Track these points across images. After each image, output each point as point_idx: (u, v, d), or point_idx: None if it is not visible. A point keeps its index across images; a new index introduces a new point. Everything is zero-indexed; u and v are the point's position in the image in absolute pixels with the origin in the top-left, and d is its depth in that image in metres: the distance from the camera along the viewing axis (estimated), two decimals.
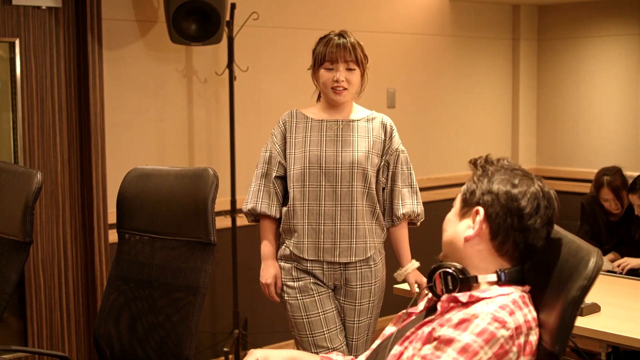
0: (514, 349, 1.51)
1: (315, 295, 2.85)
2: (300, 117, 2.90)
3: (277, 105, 4.30)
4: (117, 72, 3.97)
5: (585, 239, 1.67)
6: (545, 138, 5.87)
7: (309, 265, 2.85)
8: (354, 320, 2.88)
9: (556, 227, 1.67)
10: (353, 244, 2.83)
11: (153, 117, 4.11)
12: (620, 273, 4.04)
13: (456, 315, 1.56)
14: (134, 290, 2.45)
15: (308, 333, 2.83)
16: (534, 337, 1.56)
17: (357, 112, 2.93)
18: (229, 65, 4.09)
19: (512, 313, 1.53)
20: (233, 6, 4.03)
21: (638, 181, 4.07)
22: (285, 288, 2.89)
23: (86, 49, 3.79)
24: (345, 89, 2.81)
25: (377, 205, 2.88)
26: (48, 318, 3.88)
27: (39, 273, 3.83)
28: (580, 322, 2.81)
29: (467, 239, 1.66)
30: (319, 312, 2.84)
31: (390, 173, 2.90)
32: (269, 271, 2.89)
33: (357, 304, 2.87)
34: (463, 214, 1.69)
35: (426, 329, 1.61)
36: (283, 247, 2.91)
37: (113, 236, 3.21)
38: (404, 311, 1.77)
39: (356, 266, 2.86)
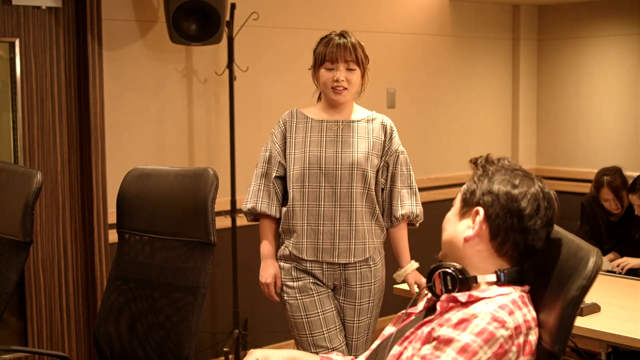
0: (514, 348, 1.51)
1: (314, 295, 2.85)
2: (301, 117, 2.90)
3: (277, 105, 4.30)
4: (117, 72, 3.97)
5: (585, 239, 1.67)
6: (545, 138, 5.87)
7: (308, 265, 2.85)
8: (354, 320, 2.88)
9: (556, 227, 1.67)
10: (352, 244, 2.83)
11: (153, 117, 4.11)
12: (620, 273, 4.04)
13: (455, 315, 1.56)
14: (134, 290, 2.45)
15: (307, 333, 2.84)
16: (533, 337, 1.56)
17: (358, 112, 2.93)
18: (229, 65, 4.09)
19: (511, 313, 1.53)
20: (233, 6, 4.03)
21: (638, 181, 4.07)
22: (284, 288, 2.89)
23: (86, 49, 3.79)
24: (345, 88, 2.81)
25: (377, 206, 2.88)
26: (48, 318, 3.88)
27: (39, 273, 3.83)
28: (580, 322, 2.81)
29: (466, 239, 1.66)
30: (318, 312, 2.84)
31: (389, 174, 2.90)
32: (268, 271, 2.89)
33: (356, 304, 2.87)
34: (463, 214, 1.69)
35: (425, 329, 1.61)
36: (282, 247, 2.91)
37: (113, 236, 3.21)
38: (404, 311, 1.77)
39: (355, 266, 2.86)
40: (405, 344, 1.64)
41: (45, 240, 3.85)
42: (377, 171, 2.88)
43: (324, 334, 2.83)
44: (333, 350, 2.79)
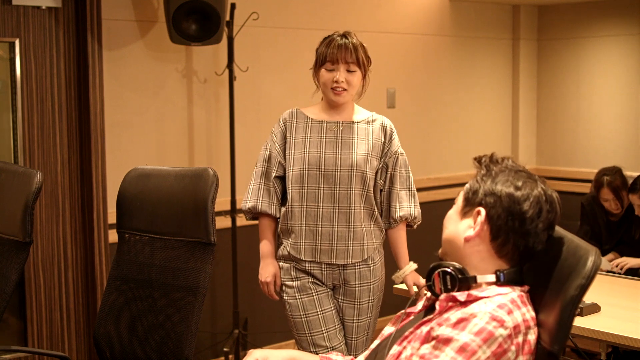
0: (513, 348, 1.51)
1: (313, 294, 2.85)
2: (301, 117, 2.90)
3: (277, 105, 4.30)
4: (117, 72, 3.97)
5: (585, 239, 1.67)
6: (545, 138, 5.87)
7: (307, 265, 2.85)
8: (354, 320, 2.88)
9: (556, 227, 1.67)
10: (350, 246, 2.83)
11: (153, 117, 4.11)
12: (619, 272, 4.05)
13: (454, 314, 1.56)
14: (134, 290, 2.45)
15: (307, 332, 2.84)
16: (532, 337, 1.56)
17: (358, 113, 2.92)
18: (229, 65, 4.09)
19: (510, 312, 1.53)
20: (233, 6, 4.03)
21: (638, 181, 4.07)
22: (284, 287, 2.89)
23: (86, 49, 3.79)
24: (345, 90, 2.81)
25: (375, 208, 2.88)
26: (48, 318, 3.88)
27: (39, 273, 3.83)
28: (580, 322, 2.81)
29: (467, 239, 1.66)
30: (317, 312, 2.84)
31: (388, 175, 2.90)
32: (268, 270, 2.90)
33: (356, 303, 2.87)
34: (464, 213, 1.69)
35: (424, 329, 1.61)
36: (281, 247, 2.91)
37: (113, 236, 3.21)
38: (403, 311, 1.77)
39: (354, 266, 2.86)
40: (405, 343, 1.64)
41: (45, 240, 3.85)
42: (376, 172, 2.88)
43: (323, 334, 2.83)
44: (332, 350, 2.80)
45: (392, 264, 3.00)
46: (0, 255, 2.55)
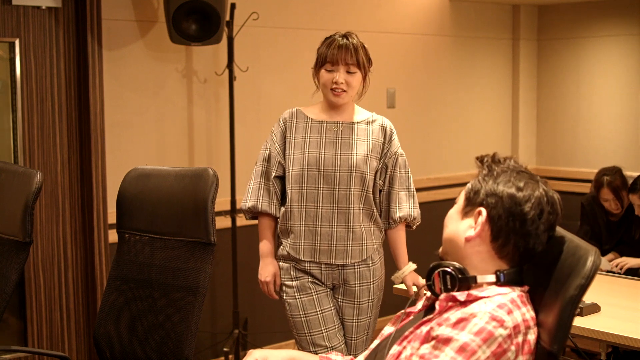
0: (512, 348, 1.51)
1: (313, 294, 2.85)
2: (301, 117, 2.90)
3: (277, 105, 4.30)
4: (117, 72, 3.97)
5: (585, 239, 1.67)
6: (545, 138, 5.87)
7: (306, 265, 2.85)
8: (353, 319, 2.88)
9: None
10: (349, 246, 2.83)
11: (153, 117, 4.11)
12: (619, 272, 4.05)
13: (454, 314, 1.56)
14: (134, 290, 2.45)
15: (306, 332, 2.84)
16: (532, 336, 1.56)
17: (358, 114, 2.92)
18: (229, 65, 4.09)
19: (510, 312, 1.53)
20: (233, 6, 4.03)
21: (638, 181, 4.07)
22: (283, 287, 2.89)
23: (86, 49, 3.79)
24: (344, 91, 2.80)
25: (374, 208, 2.88)
26: (48, 318, 3.88)
27: (39, 273, 3.83)
28: (580, 322, 2.81)
29: (467, 239, 1.66)
30: (316, 311, 2.84)
31: (388, 176, 2.90)
32: (267, 269, 2.90)
33: (356, 303, 2.87)
34: (465, 213, 1.69)
35: (424, 328, 1.61)
36: (281, 247, 2.91)
37: (113, 236, 3.21)
38: (403, 311, 1.77)
39: (354, 266, 2.86)
40: (404, 343, 1.64)
41: (45, 240, 3.85)
42: (376, 173, 2.88)
43: (322, 333, 2.83)
44: (332, 349, 2.80)
45: (391, 264, 3.00)
46: (0, 255, 2.55)
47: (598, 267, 1.49)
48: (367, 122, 2.90)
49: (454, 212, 1.73)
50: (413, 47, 5.17)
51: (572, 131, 5.73)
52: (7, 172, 2.66)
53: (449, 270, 1.64)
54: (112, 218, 3.81)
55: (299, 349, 2.85)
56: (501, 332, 1.50)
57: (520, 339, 1.53)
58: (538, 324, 1.58)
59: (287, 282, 2.88)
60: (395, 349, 1.65)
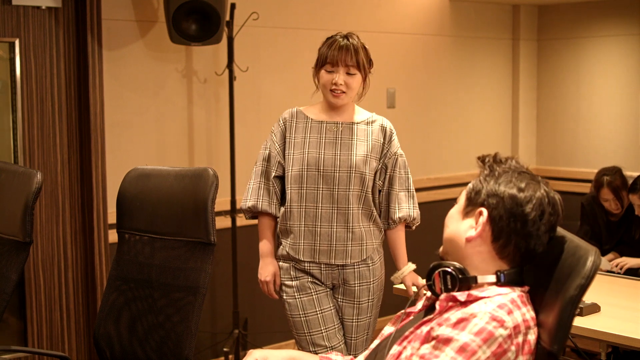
0: (513, 348, 1.51)
1: (312, 294, 2.85)
2: (301, 117, 2.90)
3: (277, 105, 4.30)
4: (117, 72, 3.97)
5: (585, 239, 1.67)
6: (545, 138, 5.87)
7: (306, 265, 2.85)
8: (353, 319, 2.88)
9: None
10: (349, 246, 2.83)
11: (153, 117, 4.11)
12: (619, 272, 4.05)
13: (454, 314, 1.56)
14: (134, 290, 2.45)
15: (306, 331, 2.84)
16: (532, 337, 1.56)
17: (358, 114, 2.92)
18: (229, 65, 4.09)
19: (510, 312, 1.53)
20: (233, 6, 4.03)
21: (638, 181, 4.07)
22: (283, 287, 2.89)
23: (86, 49, 3.79)
24: (344, 92, 2.80)
25: (374, 209, 2.88)
26: (48, 318, 3.88)
27: (39, 273, 3.83)
28: (580, 322, 2.82)
29: (468, 240, 1.65)
30: (316, 311, 2.84)
31: (387, 176, 2.90)
32: (267, 269, 2.90)
33: (355, 303, 2.87)
34: (466, 213, 1.69)
35: (425, 328, 1.61)
36: (280, 247, 2.91)
37: (113, 236, 3.21)
38: (403, 311, 1.77)
39: (354, 266, 2.86)
40: (405, 343, 1.64)
41: (45, 240, 3.85)
42: (375, 173, 2.87)
43: (322, 333, 2.83)
44: (331, 349, 2.80)
45: (391, 264, 3.00)
46: (0, 255, 2.55)
47: (598, 267, 1.49)
48: (367, 122, 2.90)
49: (454, 212, 1.73)
50: (413, 47, 5.17)
51: (572, 131, 5.73)
52: (7, 172, 2.66)
53: (449, 270, 1.64)
54: (112, 218, 3.81)
55: (299, 349, 2.85)
56: (501, 332, 1.50)
57: (520, 339, 1.53)
58: (538, 324, 1.58)
59: (286, 282, 2.88)
60: (395, 349, 1.65)
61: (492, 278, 1.63)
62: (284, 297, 2.89)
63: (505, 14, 5.70)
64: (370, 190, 2.85)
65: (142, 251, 2.45)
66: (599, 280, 1.53)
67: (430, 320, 1.62)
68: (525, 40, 5.75)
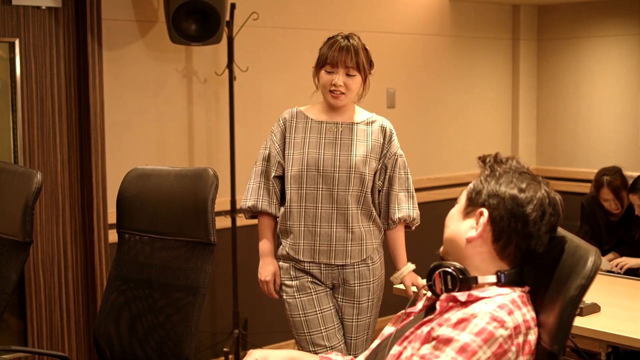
0: (513, 348, 1.51)
1: (312, 293, 2.85)
2: (301, 117, 2.90)
3: (277, 105, 4.30)
4: (117, 72, 3.97)
5: (585, 239, 1.67)
6: (545, 138, 5.87)
7: (306, 264, 2.85)
8: (353, 319, 2.88)
9: None
10: (348, 246, 2.83)
11: (153, 117, 4.11)
12: (619, 272, 4.05)
13: (455, 314, 1.56)
14: (134, 290, 2.45)
15: (305, 331, 2.84)
16: (532, 337, 1.56)
17: (358, 114, 2.92)
18: (229, 65, 4.09)
19: (510, 312, 1.53)
20: (233, 6, 4.03)
21: (638, 181, 4.07)
22: (283, 287, 2.89)
23: (86, 49, 3.79)
24: (343, 93, 2.80)
25: (373, 209, 2.88)
26: (48, 318, 3.88)
27: (39, 273, 3.83)
28: (580, 322, 2.81)
29: (469, 240, 1.65)
30: (316, 311, 2.84)
31: (387, 176, 2.90)
32: (267, 268, 2.90)
33: (355, 302, 2.87)
34: (467, 213, 1.69)
35: (425, 329, 1.61)
36: (280, 247, 2.91)
37: (113, 236, 3.21)
38: (403, 311, 1.76)
39: (354, 265, 2.86)
40: (405, 343, 1.64)
41: (45, 240, 3.85)
42: (375, 174, 2.87)
43: (322, 333, 2.83)
44: (331, 349, 2.80)
45: (391, 265, 3.00)
46: (0, 255, 2.55)
47: (598, 267, 1.49)
48: (367, 122, 2.89)
49: (455, 212, 1.73)
50: (413, 47, 5.17)
51: (572, 131, 5.73)
52: (7, 172, 2.66)
53: (449, 270, 1.64)
54: (112, 218, 3.81)
55: (298, 349, 2.85)
56: (502, 332, 1.50)
57: (520, 339, 1.53)
58: (539, 324, 1.58)
59: (286, 282, 2.88)
60: (395, 349, 1.65)
61: (493, 278, 1.63)
62: (284, 296, 2.89)
63: (505, 14, 5.70)
64: (369, 190, 2.85)
65: (142, 251, 2.45)
66: (599, 280, 1.53)
67: (430, 321, 1.62)
68: (525, 40, 5.75)
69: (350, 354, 2.87)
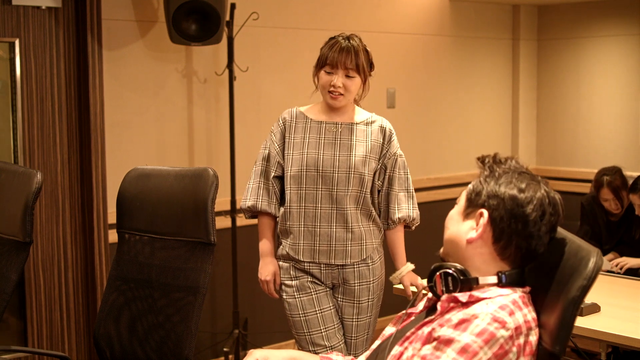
0: (514, 349, 1.51)
1: (312, 293, 2.85)
2: (300, 117, 2.90)
3: (277, 105, 4.29)
4: (117, 72, 3.97)
5: (585, 239, 1.67)
6: (545, 138, 5.87)
7: (306, 264, 2.85)
8: (353, 319, 2.88)
9: None
10: (348, 246, 2.83)
11: (153, 117, 4.11)
12: (619, 272, 4.05)
13: (456, 315, 1.56)
14: (134, 290, 2.45)
15: (305, 331, 2.84)
16: (533, 338, 1.55)
17: (357, 115, 2.91)
18: (229, 65, 4.09)
19: (511, 313, 1.53)
20: (233, 6, 4.03)
21: (638, 181, 4.07)
22: (283, 287, 2.89)
23: (86, 49, 3.79)
24: (341, 94, 2.79)
25: (373, 209, 2.88)
26: (48, 318, 3.88)
27: (39, 273, 3.83)
28: (580, 322, 2.81)
29: (469, 241, 1.65)
30: (316, 310, 2.84)
31: (387, 177, 2.90)
32: (267, 268, 2.90)
33: (355, 302, 2.87)
34: (467, 214, 1.69)
35: (426, 329, 1.61)
36: (280, 247, 2.91)
37: (113, 236, 3.21)
38: (404, 312, 1.76)
39: (353, 265, 2.86)
40: (406, 344, 1.64)
41: (45, 240, 3.85)
42: (374, 174, 2.87)
43: (321, 332, 2.83)
44: (331, 349, 2.80)
45: (391, 265, 3.00)
46: (0, 255, 2.55)
47: (600, 268, 1.49)
48: (367, 123, 2.89)
49: (455, 213, 1.72)
50: (413, 47, 5.17)
51: (572, 131, 5.73)
52: (7, 172, 2.66)
53: (450, 272, 1.64)
54: (112, 218, 3.81)
55: (299, 349, 2.85)
56: (503, 333, 1.50)
57: (521, 340, 1.52)
58: (540, 325, 1.58)
59: (286, 282, 2.88)
60: (396, 349, 1.65)
61: (494, 279, 1.63)
62: (284, 296, 2.89)
63: (505, 14, 5.69)
64: (368, 190, 2.85)
65: (142, 251, 2.45)
66: (599, 280, 1.52)
67: (431, 321, 1.62)
68: (525, 40, 5.75)
69: (350, 354, 2.87)
